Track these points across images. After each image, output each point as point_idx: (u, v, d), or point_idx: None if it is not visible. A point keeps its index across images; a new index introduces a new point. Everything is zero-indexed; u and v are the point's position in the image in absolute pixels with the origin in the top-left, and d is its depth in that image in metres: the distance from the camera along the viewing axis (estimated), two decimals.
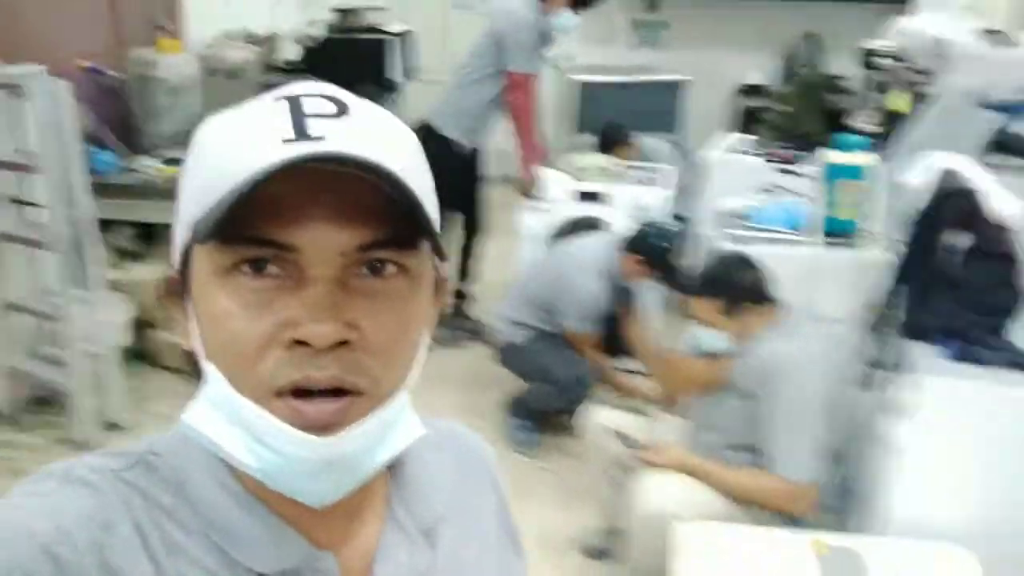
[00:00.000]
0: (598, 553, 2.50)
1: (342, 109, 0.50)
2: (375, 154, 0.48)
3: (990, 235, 1.82)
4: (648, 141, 4.29)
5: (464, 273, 3.91)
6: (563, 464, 2.95)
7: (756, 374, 2.01)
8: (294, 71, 4.53)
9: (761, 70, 5.66)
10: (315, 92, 0.51)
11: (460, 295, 3.90)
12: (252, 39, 4.40)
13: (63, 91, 2.70)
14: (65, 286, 2.77)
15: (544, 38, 3.45)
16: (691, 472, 2.07)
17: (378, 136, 0.51)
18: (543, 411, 3.04)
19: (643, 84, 5.40)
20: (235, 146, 0.50)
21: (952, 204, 1.82)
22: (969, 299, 1.86)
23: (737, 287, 2.03)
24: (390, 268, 0.51)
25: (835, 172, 2.44)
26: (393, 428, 0.54)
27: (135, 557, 0.51)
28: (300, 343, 0.48)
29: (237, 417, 0.50)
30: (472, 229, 3.84)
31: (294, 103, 0.50)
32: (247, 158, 0.48)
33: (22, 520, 0.50)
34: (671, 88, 5.45)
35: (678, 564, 1.77)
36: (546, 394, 2.96)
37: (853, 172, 2.42)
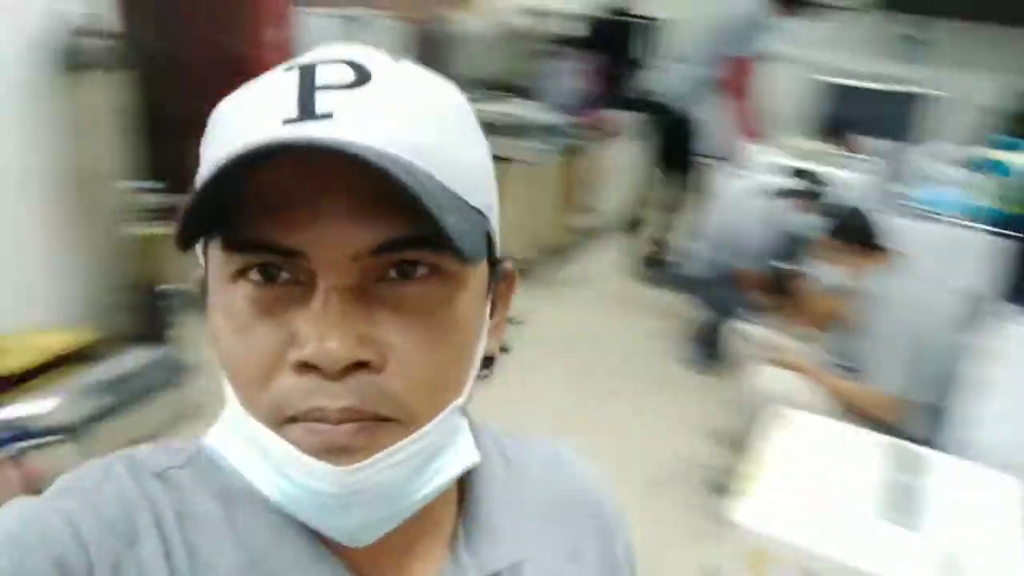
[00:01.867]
0: (718, 488, 2.78)
1: (363, 77, 0.42)
2: (387, 132, 0.40)
3: None
4: (870, 141, 4.62)
5: (667, 226, 4.60)
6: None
7: (867, 305, 2.49)
8: (568, 43, 5.47)
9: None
10: (335, 58, 0.43)
11: (658, 244, 4.63)
12: (540, 13, 5.40)
13: (400, 33, 3.74)
14: None
15: (759, 31, 4.05)
16: (808, 373, 2.58)
17: (400, 108, 0.42)
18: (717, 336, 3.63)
19: (882, 93, 5.65)
20: (235, 131, 0.42)
21: None
22: None
23: (850, 232, 2.54)
24: (421, 270, 0.42)
25: (999, 168, 2.78)
26: (437, 457, 0.45)
27: (153, 574, 0.46)
28: (308, 366, 0.41)
29: (254, 442, 0.45)
30: (682, 187, 4.47)
31: (306, 73, 0.42)
32: (241, 144, 0.39)
33: (46, 523, 0.44)
34: (910, 100, 5.64)
35: (769, 435, 2.16)
36: (715, 321, 3.56)
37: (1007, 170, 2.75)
